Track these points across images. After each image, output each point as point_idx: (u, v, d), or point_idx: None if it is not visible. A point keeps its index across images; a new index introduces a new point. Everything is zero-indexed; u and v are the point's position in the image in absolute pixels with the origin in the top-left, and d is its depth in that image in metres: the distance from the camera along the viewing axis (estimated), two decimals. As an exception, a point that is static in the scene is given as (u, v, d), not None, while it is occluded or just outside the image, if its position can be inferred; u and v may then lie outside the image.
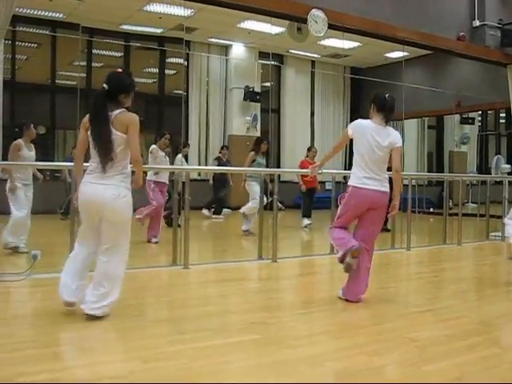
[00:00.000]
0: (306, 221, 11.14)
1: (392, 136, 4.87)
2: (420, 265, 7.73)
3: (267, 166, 10.69)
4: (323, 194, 11.52)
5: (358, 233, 4.97)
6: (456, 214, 9.51)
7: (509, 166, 11.45)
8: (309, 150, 11.45)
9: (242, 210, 10.05)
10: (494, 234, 10.06)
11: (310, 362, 3.37)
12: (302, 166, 10.72)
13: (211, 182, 12.99)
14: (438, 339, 3.84)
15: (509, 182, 10.46)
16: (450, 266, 7.68)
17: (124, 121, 4.07)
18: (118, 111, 4.10)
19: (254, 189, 9.92)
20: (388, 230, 9.34)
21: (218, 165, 12.81)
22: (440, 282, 6.28)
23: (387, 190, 4.90)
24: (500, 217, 10.09)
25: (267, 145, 10.25)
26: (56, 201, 11.03)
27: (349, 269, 4.83)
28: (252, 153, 9.99)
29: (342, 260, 4.85)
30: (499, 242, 9.79)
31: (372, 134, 4.84)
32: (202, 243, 9.30)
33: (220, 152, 13.19)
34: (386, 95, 4.92)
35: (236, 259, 7.25)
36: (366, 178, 4.84)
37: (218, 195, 12.90)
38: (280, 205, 11.04)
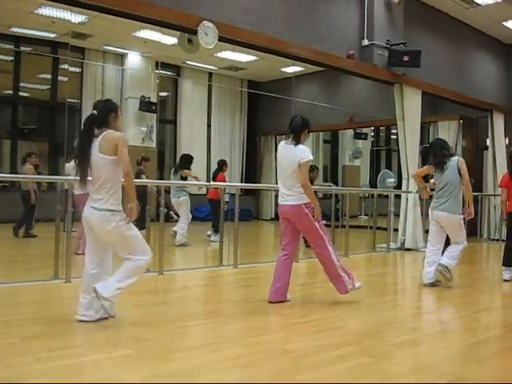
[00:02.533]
0: (214, 237, 10.78)
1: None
2: (306, 276, 7.83)
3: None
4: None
5: None
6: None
7: (393, 180, 11.95)
8: (225, 164, 11.41)
9: (179, 241, 10.02)
10: (380, 245, 10.44)
11: (184, 376, 3.31)
12: (221, 179, 10.94)
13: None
14: (312, 350, 3.89)
15: (395, 195, 10.94)
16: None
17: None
18: None
19: (187, 207, 10.28)
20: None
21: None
22: (324, 293, 6.34)
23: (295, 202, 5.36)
24: (386, 229, 10.52)
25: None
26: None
27: None
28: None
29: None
30: (385, 252, 10.17)
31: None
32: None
33: (142, 164, 11.14)
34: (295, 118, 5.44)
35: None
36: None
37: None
38: (175, 216, 10.87)
